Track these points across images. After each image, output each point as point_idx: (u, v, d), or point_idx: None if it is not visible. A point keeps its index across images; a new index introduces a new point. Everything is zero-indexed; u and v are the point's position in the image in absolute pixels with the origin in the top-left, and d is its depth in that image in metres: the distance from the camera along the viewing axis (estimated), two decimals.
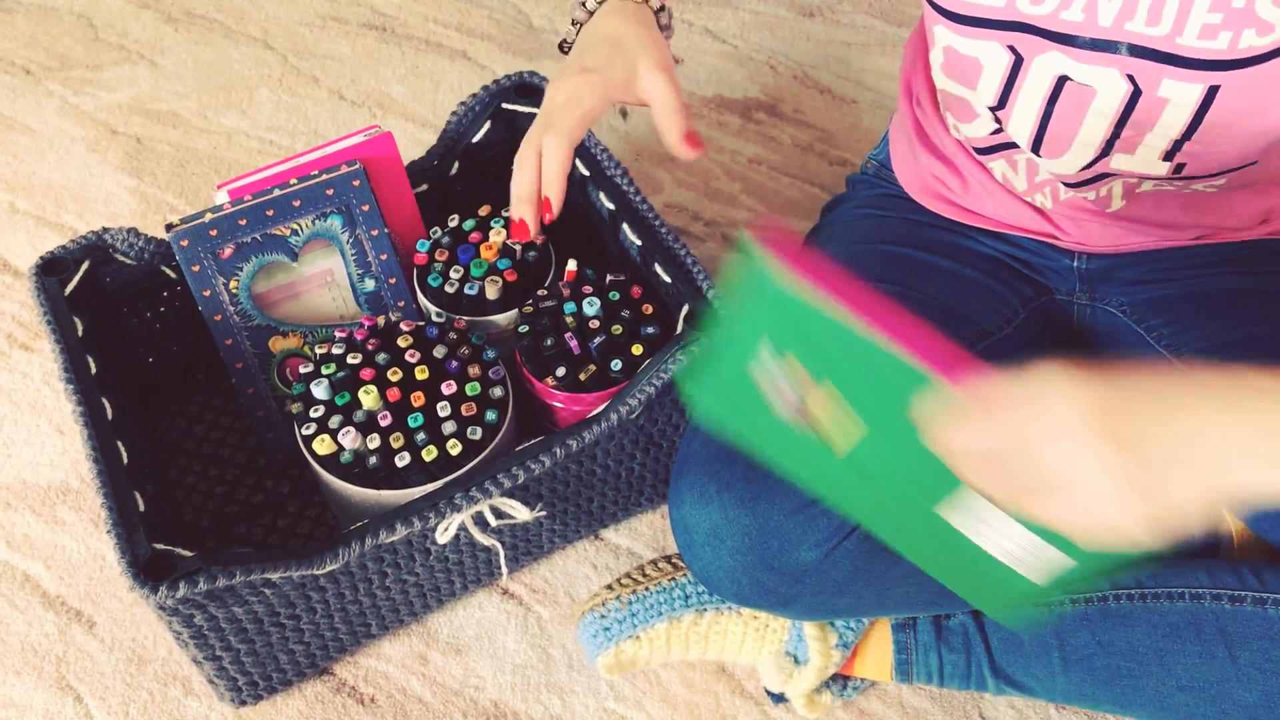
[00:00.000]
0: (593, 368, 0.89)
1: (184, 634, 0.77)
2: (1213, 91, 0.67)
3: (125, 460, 0.80)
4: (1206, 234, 0.84)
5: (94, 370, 0.85)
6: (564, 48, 0.82)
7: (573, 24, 0.81)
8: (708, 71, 1.42)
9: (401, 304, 0.98)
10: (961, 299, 0.87)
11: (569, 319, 0.91)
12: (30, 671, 0.91)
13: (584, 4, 0.80)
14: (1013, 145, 0.81)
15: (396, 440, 0.84)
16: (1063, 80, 0.73)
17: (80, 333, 0.87)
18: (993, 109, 0.78)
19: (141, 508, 0.77)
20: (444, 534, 0.80)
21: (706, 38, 1.47)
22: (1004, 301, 0.88)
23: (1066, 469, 0.51)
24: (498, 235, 0.97)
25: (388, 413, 0.85)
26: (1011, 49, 0.73)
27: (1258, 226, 0.84)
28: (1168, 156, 0.72)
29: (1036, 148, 0.78)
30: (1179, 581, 0.79)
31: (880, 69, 1.43)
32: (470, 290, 0.94)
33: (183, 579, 0.72)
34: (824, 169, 1.31)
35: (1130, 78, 0.70)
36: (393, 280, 0.96)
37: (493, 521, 0.82)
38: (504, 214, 0.99)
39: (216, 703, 0.89)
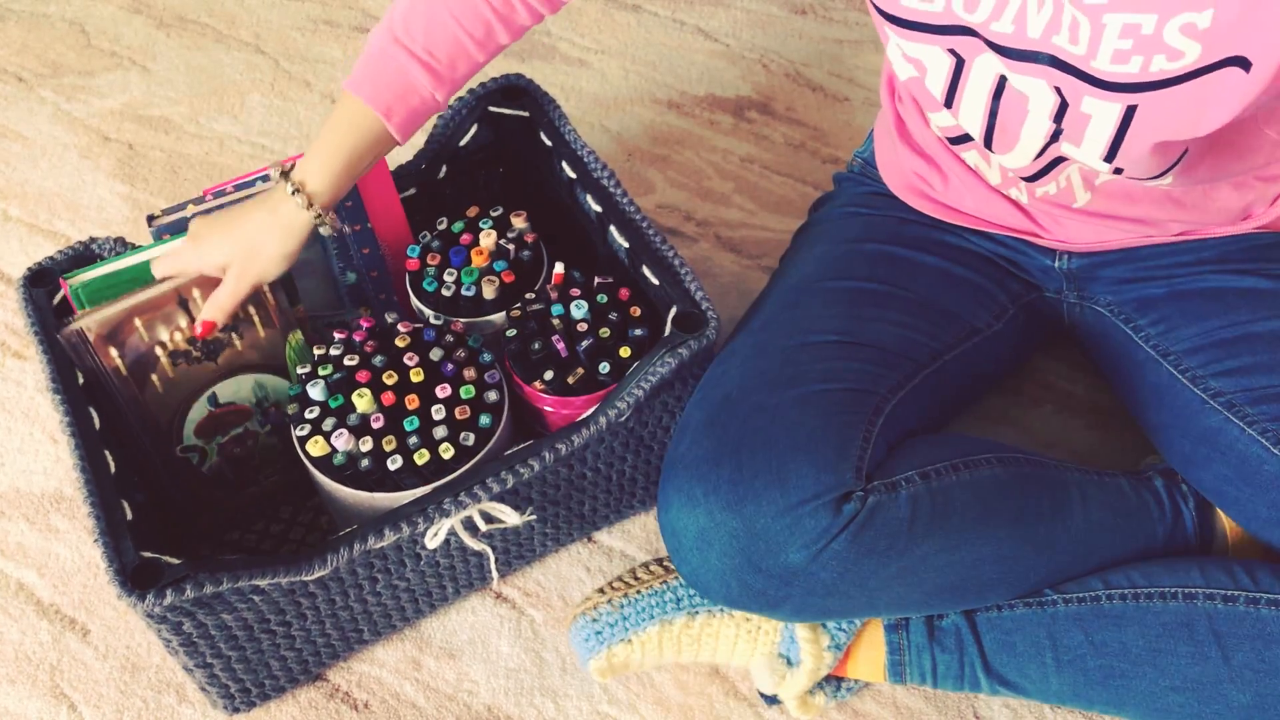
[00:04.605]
0: (581, 371, 0.88)
1: (174, 641, 0.77)
2: (1131, 110, 0.68)
3: (113, 469, 0.80)
4: (1189, 230, 0.84)
5: (81, 380, 0.85)
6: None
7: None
8: (700, 70, 1.42)
9: (383, 297, 0.97)
10: (950, 296, 0.86)
11: (556, 322, 0.91)
12: (24, 680, 0.91)
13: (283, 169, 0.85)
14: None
15: (389, 443, 0.84)
16: (1004, 80, 0.73)
17: None
18: (945, 105, 0.78)
19: (129, 516, 0.77)
20: (433, 539, 0.80)
21: (699, 36, 1.46)
22: (992, 298, 0.88)
23: None
24: (487, 237, 0.97)
25: (381, 415, 0.85)
26: (952, 52, 0.74)
27: (1241, 222, 0.84)
28: (1106, 158, 0.73)
29: (989, 143, 0.78)
30: (1172, 581, 0.78)
31: (872, 66, 1.42)
32: (467, 291, 0.94)
33: (170, 586, 0.72)
34: (817, 167, 1.30)
35: (1058, 90, 0.71)
36: (374, 274, 0.96)
37: (482, 526, 0.81)
38: (492, 214, 0.99)
39: (210, 710, 0.89)
